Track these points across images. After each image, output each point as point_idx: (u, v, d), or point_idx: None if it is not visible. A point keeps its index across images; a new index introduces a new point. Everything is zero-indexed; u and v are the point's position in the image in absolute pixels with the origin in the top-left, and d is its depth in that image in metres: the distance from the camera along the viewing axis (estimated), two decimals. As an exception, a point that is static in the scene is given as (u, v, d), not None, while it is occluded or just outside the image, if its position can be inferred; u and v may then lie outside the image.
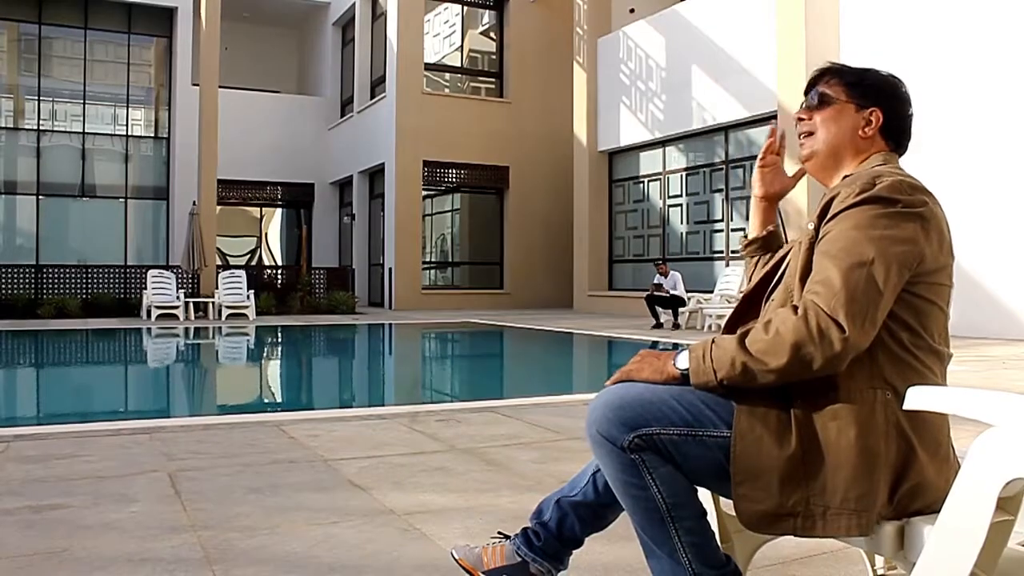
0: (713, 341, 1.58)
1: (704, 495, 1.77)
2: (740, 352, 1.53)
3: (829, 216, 1.58)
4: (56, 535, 2.63)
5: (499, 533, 1.99)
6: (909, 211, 1.53)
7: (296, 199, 24.96)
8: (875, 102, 1.76)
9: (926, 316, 1.57)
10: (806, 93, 1.84)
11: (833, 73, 1.81)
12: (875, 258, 1.49)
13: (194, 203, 17.99)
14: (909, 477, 1.52)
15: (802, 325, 1.48)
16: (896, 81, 1.80)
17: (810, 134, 1.80)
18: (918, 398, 1.46)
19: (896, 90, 1.78)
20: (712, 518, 1.79)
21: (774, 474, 1.52)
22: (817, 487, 1.51)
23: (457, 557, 1.97)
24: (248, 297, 17.11)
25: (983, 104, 10.92)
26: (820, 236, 1.59)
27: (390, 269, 20.51)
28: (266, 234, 27.35)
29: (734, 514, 1.86)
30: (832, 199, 1.60)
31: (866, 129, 1.75)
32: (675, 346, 11.08)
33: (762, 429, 1.54)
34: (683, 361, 1.62)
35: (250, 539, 2.59)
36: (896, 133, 1.77)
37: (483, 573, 1.91)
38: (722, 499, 1.84)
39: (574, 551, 1.91)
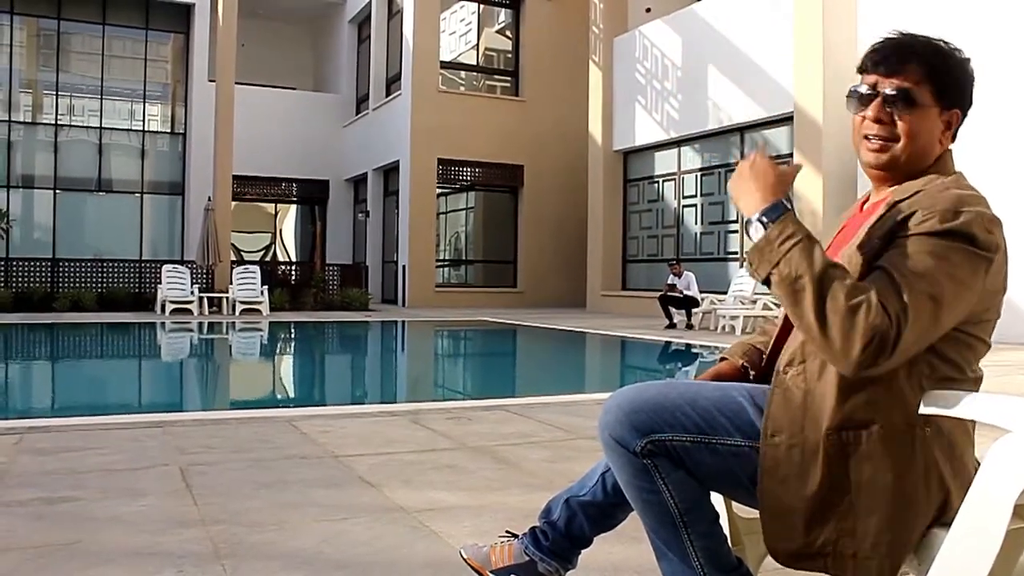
0: (808, 237, 1.42)
1: (716, 497, 1.75)
2: (823, 279, 1.37)
3: (905, 235, 1.45)
4: (67, 527, 2.64)
5: (507, 532, 1.98)
6: (984, 255, 1.42)
7: (311, 196, 25.02)
8: (957, 103, 1.61)
9: (970, 350, 1.51)
10: (883, 72, 1.60)
11: (919, 59, 1.58)
12: (946, 303, 1.38)
13: (209, 199, 18.06)
14: (944, 512, 1.48)
15: (878, 316, 1.33)
16: (972, 70, 1.63)
17: (887, 139, 1.59)
18: (935, 403, 1.44)
19: (972, 84, 1.63)
20: (723, 520, 1.77)
21: (799, 514, 1.48)
22: (846, 528, 1.46)
23: (465, 556, 1.96)
24: (262, 293, 17.18)
25: (1000, 104, 10.83)
26: (888, 247, 1.47)
27: (404, 266, 20.54)
28: (280, 230, 27.45)
29: (746, 516, 1.86)
30: (908, 216, 1.47)
31: (945, 134, 1.61)
32: (687, 347, 11.10)
33: (787, 467, 1.49)
34: (756, 230, 1.47)
35: (259, 534, 2.59)
36: (957, 131, 1.65)
37: (491, 572, 1.90)
38: (734, 502, 1.82)
39: (583, 550, 1.90)
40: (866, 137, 1.62)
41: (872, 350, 1.33)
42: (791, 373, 1.54)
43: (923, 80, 1.57)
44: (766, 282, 1.45)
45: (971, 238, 1.42)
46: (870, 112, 1.60)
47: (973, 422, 1.51)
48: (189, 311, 16.50)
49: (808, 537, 1.48)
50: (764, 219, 1.46)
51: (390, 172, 22.33)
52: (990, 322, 1.52)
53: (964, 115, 1.63)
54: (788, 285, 1.40)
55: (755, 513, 1.73)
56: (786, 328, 1.74)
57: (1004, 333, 1.60)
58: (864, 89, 1.63)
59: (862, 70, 1.65)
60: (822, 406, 1.48)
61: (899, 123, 1.58)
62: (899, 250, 1.43)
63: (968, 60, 1.63)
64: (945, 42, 1.62)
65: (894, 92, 1.58)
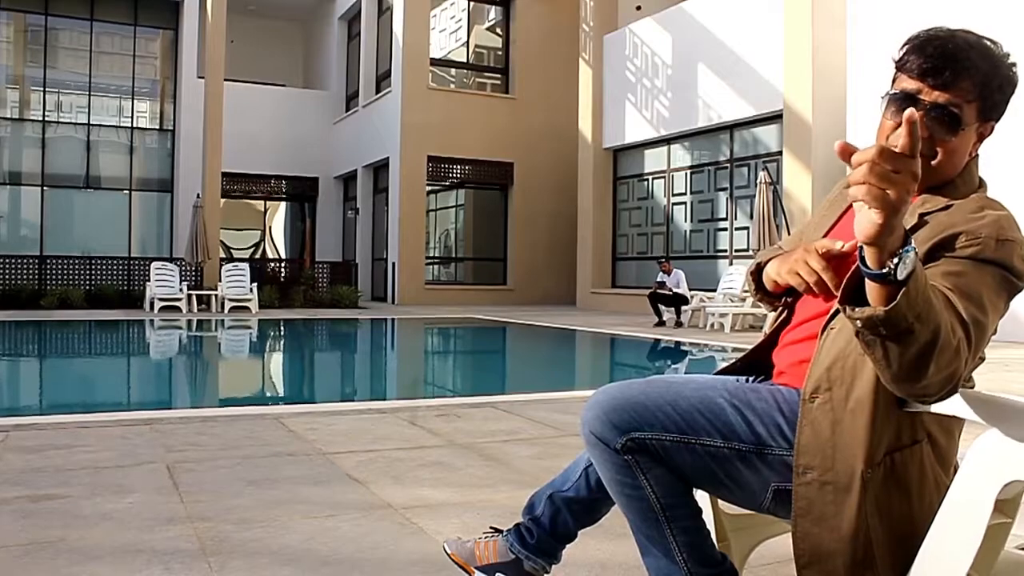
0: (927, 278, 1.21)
1: (702, 494, 1.75)
2: (948, 319, 1.21)
3: (949, 256, 1.38)
4: (53, 525, 2.63)
5: (491, 528, 1.99)
6: (1018, 284, 1.40)
7: (300, 193, 24.97)
8: (995, 116, 1.52)
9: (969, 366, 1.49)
10: (931, 83, 1.46)
11: (975, 75, 1.46)
12: (988, 330, 1.34)
13: (198, 196, 18.00)
14: None
15: (964, 347, 1.25)
16: (1017, 79, 1.52)
17: (922, 155, 1.49)
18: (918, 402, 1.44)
19: (1013, 94, 1.53)
20: (708, 516, 1.77)
21: (839, 558, 1.41)
22: (887, 563, 1.41)
23: (449, 551, 1.96)
24: (251, 290, 17.13)
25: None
26: (933, 259, 1.38)
27: (393, 264, 20.52)
28: (270, 227, 27.38)
29: (731, 513, 1.86)
30: (948, 237, 1.39)
31: (976, 145, 1.54)
32: (677, 345, 11.12)
33: (822, 506, 1.42)
34: (904, 271, 1.13)
35: (246, 531, 2.59)
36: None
37: (476, 568, 1.90)
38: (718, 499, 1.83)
39: (568, 545, 1.90)
40: (895, 146, 1.55)
41: (954, 384, 1.27)
42: (818, 402, 1.45)
43: (974, 99, 1.47)
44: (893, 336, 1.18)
45: (1011, 268, 1.38)
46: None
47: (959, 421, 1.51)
48: (178, 308, 16.44)
49: None
50: (902, 279, 1.14)
51: (380, 169, 22.30)
52: (990, 338, 1.48)
53: (996, 124, 1.55)
54: (919, 333, 1.18)
55: (740, 510, 1.74)
56: (779, 328, 1.70)
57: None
58: (904, 95, 1.49)
59: (905, 69, 1.50)
60: (853, 437, 1.41)
61: (938, 142, 1.47)
62: (947, 271, 1.35)
63: (1015, 67, 1.52)
64: (996, 45, 1.51)
65: (942, 110, 1.46)
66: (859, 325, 1.19)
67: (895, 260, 1.13)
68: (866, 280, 1.17)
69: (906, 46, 1.52)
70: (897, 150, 1.08)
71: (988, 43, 1.51)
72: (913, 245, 1.14)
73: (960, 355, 1.24)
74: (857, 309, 1.18)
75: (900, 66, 1.52)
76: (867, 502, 1.40)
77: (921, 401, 1.28)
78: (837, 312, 1.45)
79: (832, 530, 1.41)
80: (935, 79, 1.46)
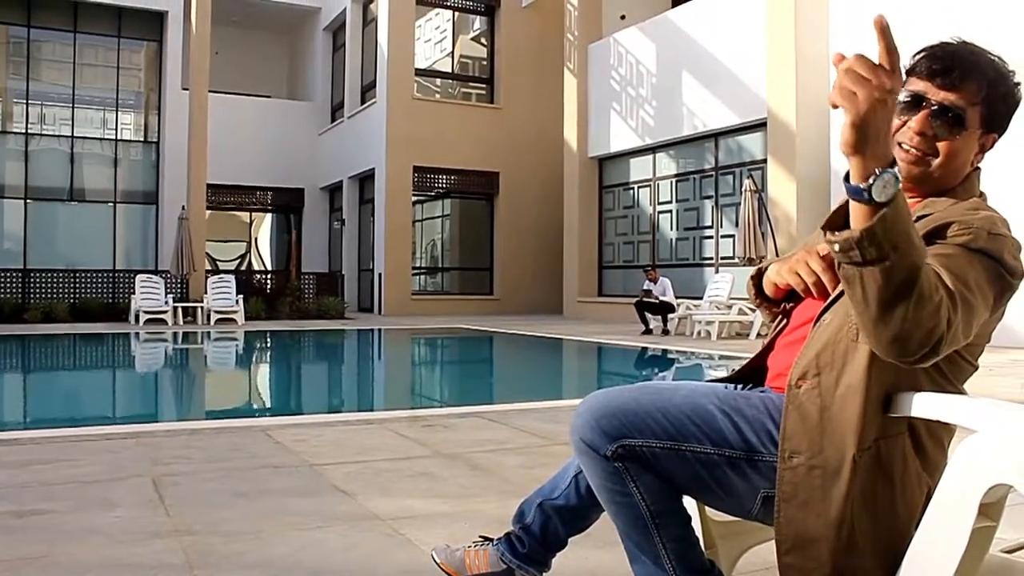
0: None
1: (689, 500, 1.75)
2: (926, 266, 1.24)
3: (942, 241, 1.40)
4: (38, 540, 2.61)
5: (481, 536, 1.98)
6: (1009, 280, 1.41)
7: (286, 204, 24.90)
8: (998, 128, 1.56)
9: (961, 370, 1.50)
10: (939, 83, 1.52)
11: (980, 79, 1.52)
12: (976, 315, 1.34)
13: (183, 208, 17.93)
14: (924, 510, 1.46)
15: (946, 309, 1.26)
16: (1020, 96, 1.58)
17: (925, 152, 1.53)
18: (902, 405, 1.45)
19: (1016, 110, 1.58)
20: (696, 523, 1.78)
21: (823, 543, 1.41)
22: (869, 552, 1.42)
23: (439, 560, 1.96)
24: (237, 302, 17.06)
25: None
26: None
27: (380, 274, 20.48)
28: (256, 239, 27.27)
29: (719, 520, 1.87)
30: (941, 227, 1.42)
31: (978, 156, 1.58)
32: (663, 352, 11.14)
33: (808, 491, 1.42)
34: (883, 194, 1.18)
35: (233, 544, 2.57)
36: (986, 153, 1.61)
37: (466, 578, 1.90)
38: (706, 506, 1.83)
39: (558, 553, 1.90)
40: (899, 144, 1.54)
41: (934, 345, 1.26)
42: (804, 387, 1.46)
43: (978, 102, 1.52)
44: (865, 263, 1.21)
45: (1001, 261, 1.40)
46: (914, 123, 1.52)
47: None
48: (163, 321, 16.36)
49: (833, 569, 1.41)
50: (881, 202, 1.19)
51: (365, 180, 22.27)
52: (982, 346, 1.50)
53: (998, 139, 1.59)
54: (893, 272, 1.20)
55: (728, 517, 1.75)
56: (772, 342, 1.72)
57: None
58: (911, 95, 1.54)
59: (915, 72, 1.56)
60: (842, 423, 1.42)
61: (940, 141, 1.52)
62: (937, 253, 1.37)
63: (1019, 85, 1.58)
64: (1003, 61, 1.57)
65: (946, 109, 1.51)
66: (837, 250, 1.24)
67: (872, 178, 1.18)
68: (850, 204, 1.23)
69: (919, 53, 1.58)
70: (876, 62, 1.17)
71: (995, 57, 1.57)
72: (896, 170, 1.19)
73: (941, 314, 1.24)
74: (836, 233, 1.24)
75: (910, 71, 1.57)
76: (855, 487, 1.40)
77: (902, 361, 1.28)
78: (830, 306, 1.49)
79: (818, 515, 1.42)
80: (943, 79, 1.52)
